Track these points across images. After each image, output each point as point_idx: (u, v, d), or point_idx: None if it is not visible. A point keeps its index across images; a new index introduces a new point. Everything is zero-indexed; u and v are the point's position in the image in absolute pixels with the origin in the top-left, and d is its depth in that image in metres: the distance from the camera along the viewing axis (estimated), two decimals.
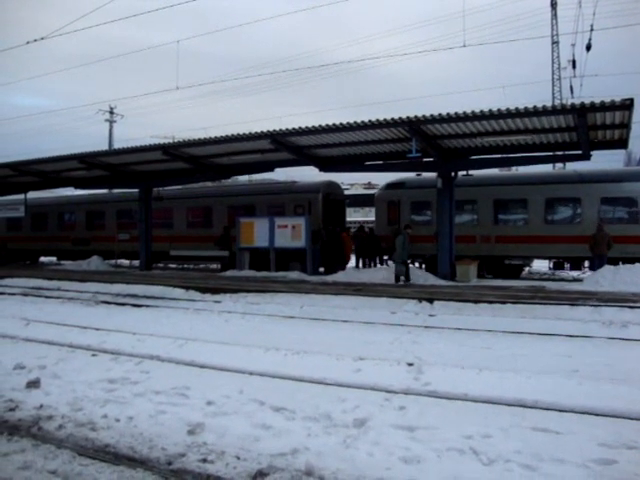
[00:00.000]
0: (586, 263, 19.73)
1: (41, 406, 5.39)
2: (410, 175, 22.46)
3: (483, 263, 19.56)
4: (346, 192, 26.98)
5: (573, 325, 9.71)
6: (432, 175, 21.08)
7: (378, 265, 21.83)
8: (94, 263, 25.56)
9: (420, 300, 12.65)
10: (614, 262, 17.33)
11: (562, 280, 19.43)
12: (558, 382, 6.02)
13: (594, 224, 18.17)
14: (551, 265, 20.58)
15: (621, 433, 4.46)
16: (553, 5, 39.49)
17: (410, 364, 6.93)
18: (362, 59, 65.37)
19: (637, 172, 19.64)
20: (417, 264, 21.62)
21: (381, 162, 19.85)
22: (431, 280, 17.19)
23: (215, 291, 15.19)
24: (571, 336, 8.73)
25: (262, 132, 17.46)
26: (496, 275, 19.79)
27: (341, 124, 16.16)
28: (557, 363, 7.07)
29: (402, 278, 16.93)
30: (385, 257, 22.06)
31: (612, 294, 12.94)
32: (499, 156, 18.28)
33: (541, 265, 22.77)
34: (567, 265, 20.07)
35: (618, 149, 17.60)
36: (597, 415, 4.91)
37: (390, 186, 22.69)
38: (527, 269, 22.69)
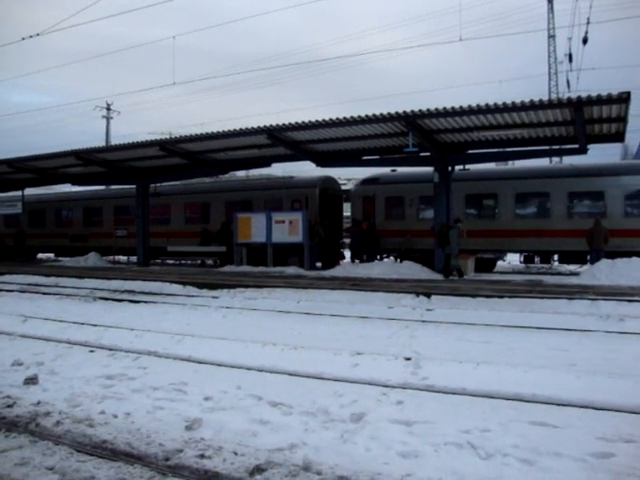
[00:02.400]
0: (555, 256, 20.34)
1: (39, 402, 5.38)
2: (385, 170, 22.77)
3: None
4: (343, 187, 26.99)
5: (571, 319, 9.72)
6: (407, 170, 21.86)
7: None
8: (92, 259, 25.53)
9: (417, 294, 12.66)
10: (584, 255, 18.51)
11: (559, 274, 19.48)
12: (556, 376, 6.02)
13: (563, 218, 18.92)
14: (521, 259, 21.12)
15: (619, 427, 4.46)
16: None
17: (408, 358, 6.93)
18: (358, 54, 65.23)
19: (605, 167, 19.86)
20: (392, 258, 21.88)
21: (378, 157, 19.84)
22: (425, 274, 17.24)
23: (212, 287, 15.18)
24: (569, 330, 8.74)
25: (259, 127, 17.43)
26: None
27: (338, 119, 16.13)
28: (555, 357, 7.08)
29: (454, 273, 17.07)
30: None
31: (609, 288, 12.97)
32: (496, 150, 18.30)
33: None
34: (537, 259, 20.64)
35: (615, 142, 17.64)
36: (595, 409, 4.90)
37: (365, 182, 23.12)
38: (499, 262, 23.06)
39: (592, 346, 7.71)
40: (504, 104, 13.99)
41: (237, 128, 17.81)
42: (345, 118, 16.03)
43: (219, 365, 6.77)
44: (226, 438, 4.42)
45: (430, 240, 19.00)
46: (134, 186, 24.31)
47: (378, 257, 21.90)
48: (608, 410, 4.87)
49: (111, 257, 27.56)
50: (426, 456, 4.01)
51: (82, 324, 10.08)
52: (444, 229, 17.37)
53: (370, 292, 13.38)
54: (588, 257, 18.60)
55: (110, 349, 7.85)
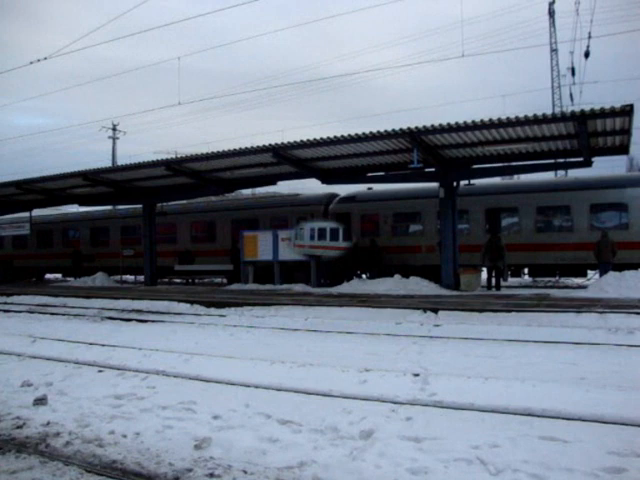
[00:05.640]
0: (525, 270, 20.93)
1: (48, 423, 5.39)
2: (362, 189, 23.34)
3: (429, 272, 19.50)
4: None
5: (579, 332, 9.66)
6: (382, 188, 22.71)
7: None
8: (99, 279, 25.64)
9: (425, 310, 12.64)
10: (553, 269, 19.36)
11: (566, 287, 19.40)
12: (565, 390, 5.99)
13: (531, 233, 19.47)
14: (493, 273, 21.24)
15: (630, 441, 4.42)
16: (551, 13, 39.71)
17: (416, 374, 6.90)
18: (359, 72, 65.55)
19: (570, 182, 20.14)
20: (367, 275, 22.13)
21: (383, 173, 19.91)
22: (431, 290, 17.20)
23: (220, 305, 15.20)
24: (577, 343, 8.69)
25: (264, 146, 17.54)
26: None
27: (342, 136, 16.22)
28: (563, 371, 7.04)
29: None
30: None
31: (617, 300, 12.91)
32: (501, 165, 18.36)
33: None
34: (509, 272, 20.97)
35: (619, 155, 17.66)
36: (605, 423, 4.87)
37: (342, 200, 23.50)
38: None
39: (601, 359, 7.66)
40: (508, 119, 14.06)
41: (242, 147, 17.94)
42: (349, 135, 16.12)
43: (227, 383, 6.76)
44: (235, 457, 4.41)
45: (404, 256, 20.38)
46: (140, 206, 24.47)
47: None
48: (619, 424, 4.83)
49: (118, 277, 27.65)
50: (436, 472, 3.99)
51: (90, 344, 10.10)
52: (498, 242, 17.59)
53: (378, 308, 13.37)
54: (557, 272, 19.58)
55: (119, 369, 7.86)
